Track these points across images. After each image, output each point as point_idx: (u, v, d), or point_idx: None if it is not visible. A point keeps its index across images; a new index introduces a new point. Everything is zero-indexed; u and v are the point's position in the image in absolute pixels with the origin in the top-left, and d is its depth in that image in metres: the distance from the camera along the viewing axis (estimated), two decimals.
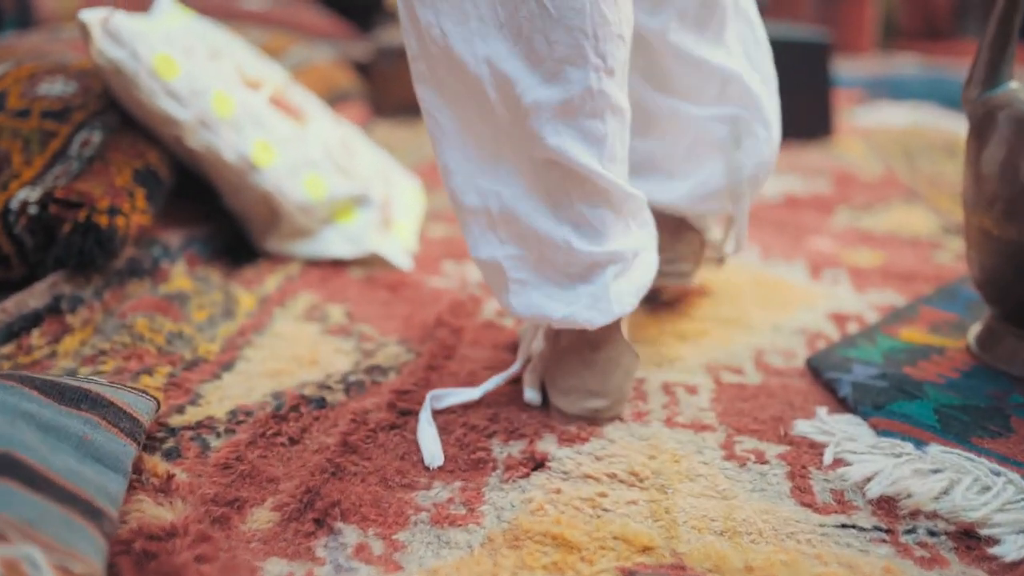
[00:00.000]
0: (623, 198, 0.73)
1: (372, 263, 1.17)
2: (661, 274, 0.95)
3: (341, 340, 0.94)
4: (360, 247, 1.17)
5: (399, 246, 1.22)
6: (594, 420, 0.76)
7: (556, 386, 0.78)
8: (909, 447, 0.72)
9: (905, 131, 2.20)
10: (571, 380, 0.76)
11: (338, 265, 1.16)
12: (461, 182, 0.74)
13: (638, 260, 0.77)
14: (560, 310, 0.74)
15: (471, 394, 0.79)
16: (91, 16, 1.04)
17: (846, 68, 3.23)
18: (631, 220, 0.76)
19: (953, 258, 1.25)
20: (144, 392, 0.73)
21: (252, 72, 1.21)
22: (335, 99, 2.06)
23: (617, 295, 0.74)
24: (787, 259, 1.23)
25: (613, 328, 0.76)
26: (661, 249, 0.91)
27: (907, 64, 3.58)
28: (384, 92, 2.35)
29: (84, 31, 1.04)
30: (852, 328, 1.00)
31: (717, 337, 0.97)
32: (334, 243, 1.17)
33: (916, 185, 1.67)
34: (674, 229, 0.99)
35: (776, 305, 1.06)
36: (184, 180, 1.17)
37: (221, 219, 1.20)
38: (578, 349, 0.76)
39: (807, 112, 2.03)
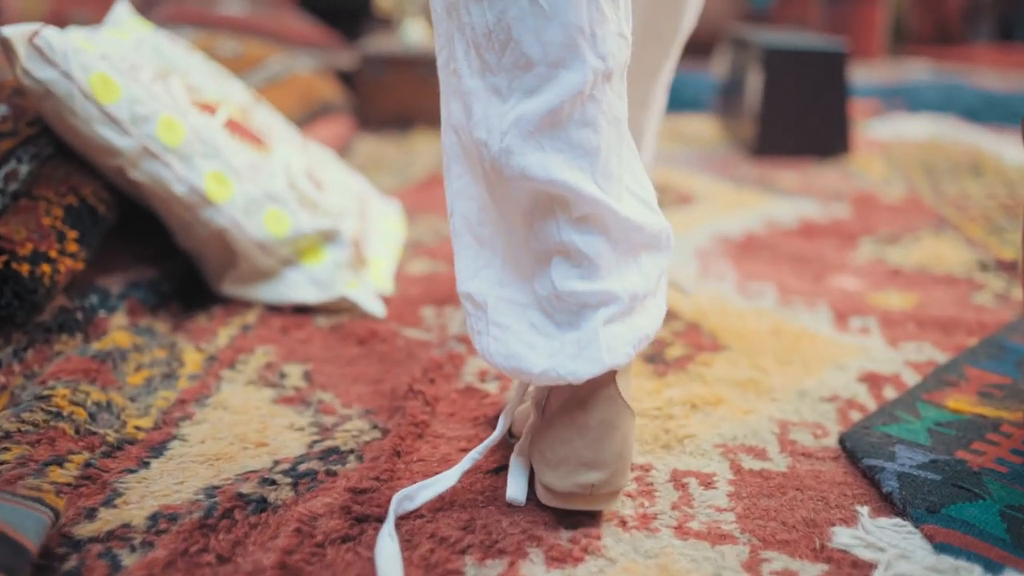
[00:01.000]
0: (623, 226, 0.62)
1: (341, 309, 1.04)
2: None
3: (296, 412, 0.81)
4: (328, 291, 1.04)
5: (372, 288, 1.09)
6: (590, 497, 0.63)
7: (544, 459, 0.64)
8: (977, 572, 0.59)
9: (924, 145, 2.07)
10: (560, 450, 0.63)
11: (303, 312, 1.03)
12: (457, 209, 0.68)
13: (640, 305, 0.65)
14: (541, 363, 0.62)
15: (447, 481, 0.66)
16: (15, 32, 0.91)
17: (857, 75, 3.10)
18: (634, 255, 0.65)
19: (994, 300, 1.12)
20: (39, 500, 0.59)
21: (208, 93, 1.07)
22: (317, 112, 1.93)
23: (609, 342, 0.62)
24: (809, 303, 1.10)
25: (606, 383, 0.63)
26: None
27: (919, 70, 3.45)
28: (370, 104, 2.22)
29: (7, 49, 0.90)
30: (889, 393, 0.86)
31: (734, 406, 0.83)
32: (298, 286, 1.04)
33: (942, 209, 1.53)
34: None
35: (800, 363, 0.93)
36: (129, 215, 1.04)
37: (173, 258, 1.07)
38: (568, 411, 0.64)
39: (822, 127, 1.90)
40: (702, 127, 2.36)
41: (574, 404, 0.63)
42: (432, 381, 0.86)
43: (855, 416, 0.82)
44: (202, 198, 0.99)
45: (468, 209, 0.67)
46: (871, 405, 0.84)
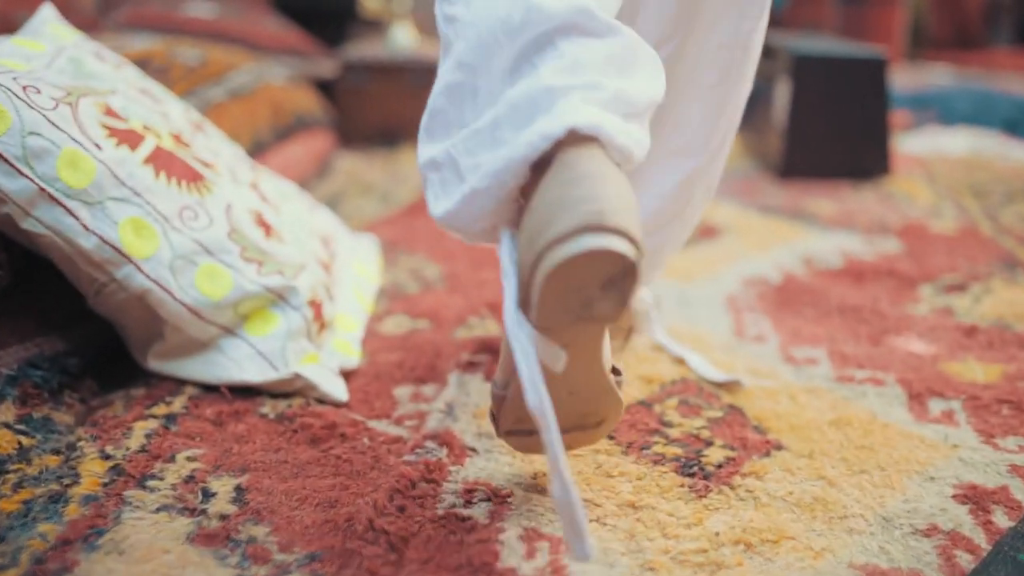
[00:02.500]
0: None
1: (293, 391, 0.83)
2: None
3: (218, 558, 0.60)
4: (276, 368, 0.83)
5: (335, 360, 0.88)
6: (600, 226, 0.50)
7: (534, 234, 0.52)
8: None
9: (967, 163, 1.86)
10: (553, 207, 0.52)
11: (245, 394, 0.82)
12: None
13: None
14: (509, 148, 0.56)
15: None
16: None
17: None
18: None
19: None
20: None
21: (134, 118, 0.87)
22: (292, 127, 1.72)
23: (588, 108, 0.56)
24: (873, 376, 0.89)
25: (586, 143, 0.55)
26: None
27: (942, 76, 3.24)
28: (352, 117, 2.01)
29: None
30: (1001, 519, 0.66)
31: (800, 544, 0.63)
32: (240, 362, 0.83)
33: (1005, 242, 1.32)
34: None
35: (876, 469, 0.72)
36: (37, 266, 0.83)
37: (91, 320, 0.86)
38: (554, 177, 0.54)
39: (859, 146, 1.69)
40: None
41: (557, 169, 0.54)
42: (402, 510, 0.65)
43: (964, 561, 0.61)
44: (116, 253, 0.78)
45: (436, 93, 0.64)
46: (982, 541, 0.64)
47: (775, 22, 1.81)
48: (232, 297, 0.83)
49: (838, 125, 1.66)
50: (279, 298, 0.86)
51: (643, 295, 0.96)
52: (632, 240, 0.51)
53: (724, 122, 0.85)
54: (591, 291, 0.52)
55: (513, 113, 0.57)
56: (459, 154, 0.60)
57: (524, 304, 0.55)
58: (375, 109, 2.00)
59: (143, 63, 1.39)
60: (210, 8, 1.92)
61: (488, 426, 0.78)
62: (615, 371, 0.66)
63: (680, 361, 0.92)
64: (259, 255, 0.87)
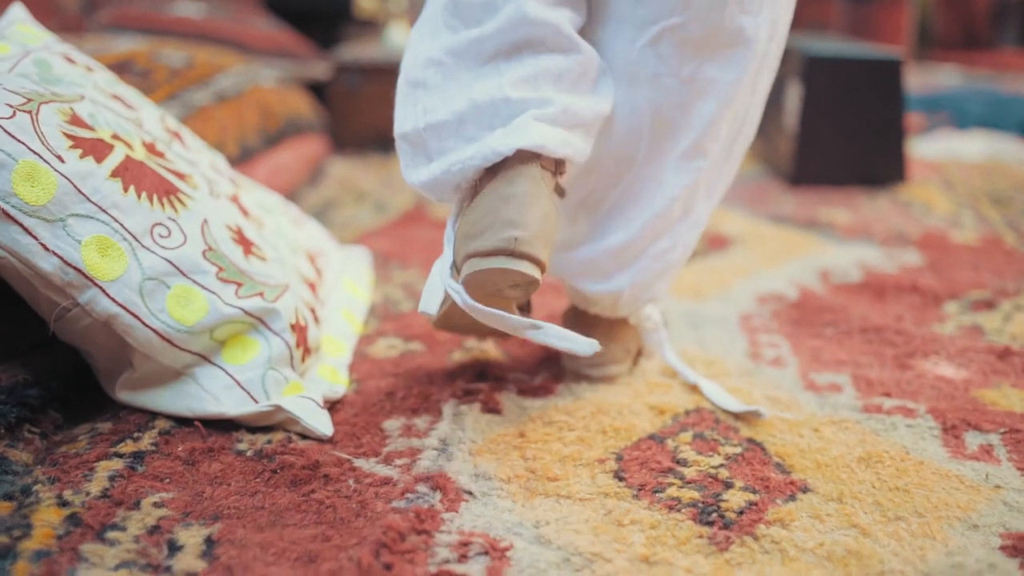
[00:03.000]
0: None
1: (274, 426, 0.76)
2: (586, 376, 0.86)
3: None
4: (256, 399, 0.76)
5: (320, 389, 0.81)
6: (512, 255, 0.66)
7: (469, 234, 0.69)
8: None
9: (984, 169, 1.80)
10: (486, 219, 0.68)
11: (221, 428, 0.75)
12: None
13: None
14: (468, 150, 0.71)
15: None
16: None
17: None
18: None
19: None
20: None
21: (102, 126, 0.80)
22: (283, 132, 1.65)
23: (537, 128, 0.69)
24: (903, 406, 0.82)
25: (528, 161, 0.69)
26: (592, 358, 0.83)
27: (951, 77, 3.18)
28: (346, 121, 1.94)
29: None
30: None
31: None
32: (216, 393, 0.76)
33: None
34: (608, 327, 0.87)
35: (913, 514, 0.66)
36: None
37: (56, 348, 0.79)
38: (493, 189, 0.69)
39: (875, 152, 1.62)
40: None
41: (499, 182, 0.69)
42: (388, 567, 0.58)
43: None
44: (79, 275, 0.72)
45: (409, 61, 0.77)
46: None
47: None
48: (207, 322, 0.76)
49: (851, 130, 1.59)
50: (259, 322, 0.79)
51: (651, 313, 0.90)
52: (539, 264, 0.68)
53: (736, 123, 0.81)
54: (501, 288, 0.70)
55: (476, 114, 0.71)
56: (428, 138, 0.74)
57: (454, 268, 0.72)
58: (369, 113, 1.94)
59: (124, 65, 1.33)
60: (198, 8, 1.85)
61: (485, 465, 0.71)
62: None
63: (693, 388, 0.85)
64: (237, 275, 0.80)
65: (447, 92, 0.73)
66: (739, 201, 1.54)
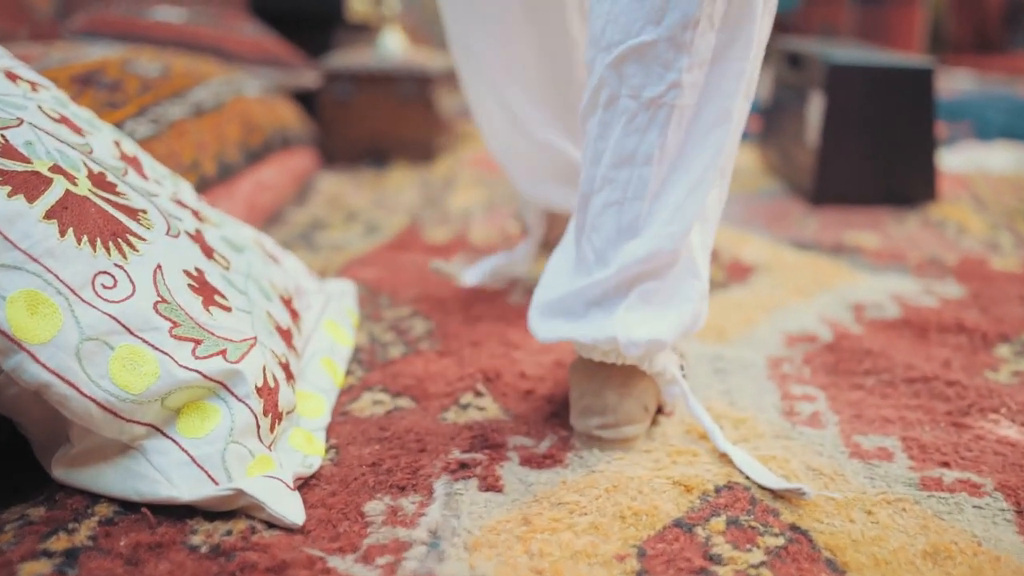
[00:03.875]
0: None
1: (235, 512, 0.65)
2: (599, 439, 0.76)
3: None
4: (216, 480, 0.65)
5: (294, 463, 0.70)
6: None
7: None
8: None
9: (1013, 182, 1.69)
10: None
11: (173, 516, 0.64)
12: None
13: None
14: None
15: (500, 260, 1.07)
16: None
17: None
18: None
19: None
20: None
21: (40, 155, 0.69)
22: (269, 145, 1.54)
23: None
24: (965, 480, 0.71)
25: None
26: (602, 410, 0.75)
27: (966, 82, 3.07)
28: (336, 133, 1.83)
29: None
30: None
31: None
32: (168, 473, 0.65)
33: None
34: (622, 380, 0.75)
35: None
36: None
37: None
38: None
39: (903, 169, 1.51)
40: (740, 158, 1.97)
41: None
42: None
43: None
44: (3, 338, 0.61)
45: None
46: None
47: (785, 24, 1.64)
48: (159, 388, 0.65)
49: (878, 145, 1.48)
50: (220, 387, 0.68)
51: (667, 364, 0.78)
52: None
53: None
54: None
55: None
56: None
57: None
58: (362, 124, 1.83)
59: (91, 77, 1.22)
60: (179, 13, 1.74)
61: (483, 566, 0.60)
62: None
63: (722, 456, 0.74)
64: (195, 331, 0.69)
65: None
66: (758, 222, 1.43)
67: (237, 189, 1.37)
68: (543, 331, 0.78)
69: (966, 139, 2.08)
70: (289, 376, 0.76)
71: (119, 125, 1.14)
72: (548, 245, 1.16)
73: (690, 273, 0.76)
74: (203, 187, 1.25)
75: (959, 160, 1.87)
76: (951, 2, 3.86)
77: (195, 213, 0.84)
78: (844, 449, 0.76)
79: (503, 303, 1.08)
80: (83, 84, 1.20)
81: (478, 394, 0.84)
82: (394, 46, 1.92)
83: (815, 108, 1.51)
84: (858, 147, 1.49)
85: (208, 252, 0.78)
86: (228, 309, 0.73)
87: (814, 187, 1.51)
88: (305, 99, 1.87)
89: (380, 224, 1.44)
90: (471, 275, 1.14)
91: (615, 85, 0.71)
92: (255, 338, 0.73)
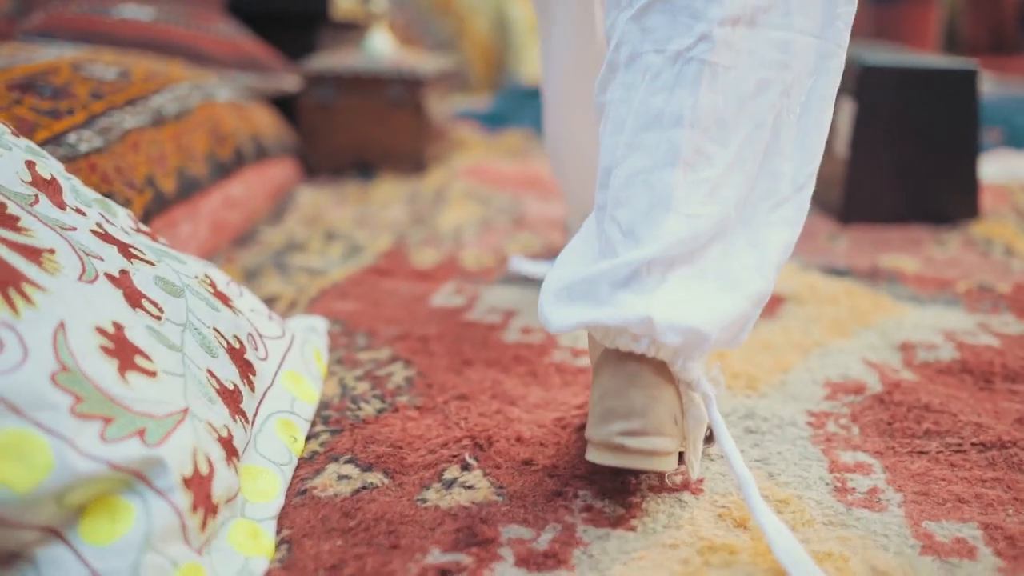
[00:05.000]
0: None
1: None
2: (620, 447, 0.60)
3: None
4: None
5: (231, 573, 0.56)
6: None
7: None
8: None
9: None
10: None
11: None
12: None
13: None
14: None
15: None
16: None
17: None
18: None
19: None
20: None
21: None
22: (240, 157, 1.40)
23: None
24: None
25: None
26: (627, 413, 0.60)
27: (985, 84, 2.92)
28: (318, 141, 1.69)
29: None
30: None
31: None
32: None
33: None
34: (654, 381, 0.61)
35: None
36: None
37: None
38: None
39: (943, 183, 1.37)
40: None
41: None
42: None
43: None
44: None
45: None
46: None
47: None
48: (53, 484, 0.51)
49: (914, 156, 1.34)
50: (136, 478, 0.54)
51: (702, 379, 0.64)
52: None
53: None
54: None
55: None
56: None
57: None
58: (346, 132, 1.68)
59: (31, 82, 1.08)
60: (148, 11, 1.60)
61: None
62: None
63: (766, 548, 0.60)
64: (105, 407, 0.55)
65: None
66: None
67: (201, 207, 1.23)
68: (558, 318, 0.64)
69: (997, 147, 1.94)
70: (231, 453, 0.62)
71: (58, 137, 1.00)
72: None
73: (746, 267, 0.65)
74: (159, 207, 1.12)
75: (993, 170, 1.73)
76: (966, 2, 3.72)
77: (124, 248, 0.69)
78: (913, 542, 0.62)
79: (497, 342, 0.94)
80: (22, 91, 1.06)
81: (465, 466, 0.70)
82: (382, 46, 1.78)
83: (844, 115, 1.37)
84: (892, 159, 1.35)
85: (135, 299, 0.64)
86: (152, 374, 0.59)
87: (843, 203, 1.37)
88: (286, 105, 1.73)
89: (362, 245, 1.30)
90: (519, 265, 1.14)
91: (637, 40, 0.64)
92: (186, 410, 0.59)
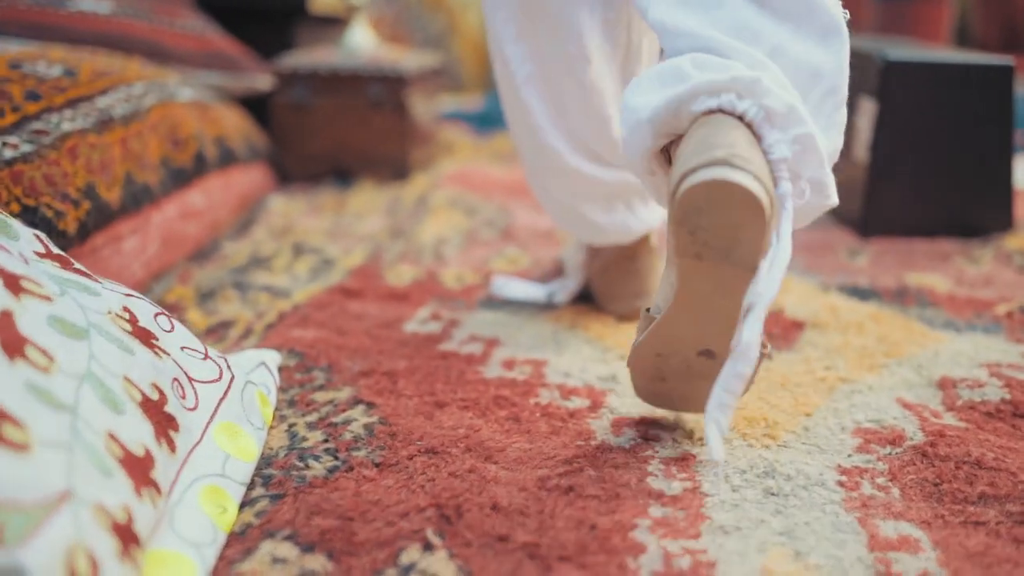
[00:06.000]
0: None
1: None
2: (723, 182, 0.55)
3: None
4: None
5: None
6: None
7: (605, 294, 0.97)
8: None
9: None
10: (617, 288, 0.95)
11: None
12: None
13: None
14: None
15: (537, 292, 1.00)
16: None
17: None
18: None
19: None
20: None
21: None
22: (200, 163, 1.28)
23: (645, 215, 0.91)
24: None
25: (643, 240, 0.94)
26: (730, 144, 0.57)
27: None
28: (293, 144, 1.57)
29: None
30: None
31: None
32: None
33: None
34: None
35: None
36: None
37: None
38: (618, 262, 0.95)
39: (973, 193, 1.25)
40: None
41: (623, 257, 0.95)
42: None
43: None
44: None
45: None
46: None
47: None
48: None
49: (941, 161, 1.22)
50: None
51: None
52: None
53: None
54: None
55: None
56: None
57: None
58: (323, 134, 1.56)
59: None
60: (106, 4, 1.47)
61: None
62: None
63: None
64: None
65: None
66: (796, 259, 1.17)
67: (153, 219, 1.11)
68: (644, 101, 0.63)
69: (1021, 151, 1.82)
70: (128, 542, 0.50)
71: None
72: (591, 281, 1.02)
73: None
74: (101, 220, 0.99)
75: (1021, 176, 1.60)
76: None
77: (13, 282, 0.57)
78: None
79: (476, 378, 0.82)
80: None
81: (428, 546, 0.57)
82: (362, 42, 1.66)
83: (864, 118, 1.24)
84: (917, 164, 1.23)
85: (14, 348, 0.52)
86: (23, 447, 0.47)
87: (864, 214, 1.24)
88: (259, 106, 1.61)
89: (333, 259, 1.18)
90: (502, 288, 1.03)
91: None
92: (66, 492, 0.47)
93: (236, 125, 1.46)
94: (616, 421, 0.75)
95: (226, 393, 0.69)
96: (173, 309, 1.01)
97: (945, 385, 0.82)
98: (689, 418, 0.76)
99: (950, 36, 3.31)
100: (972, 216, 1.24)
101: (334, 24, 1.91)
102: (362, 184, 1.56)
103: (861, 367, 0.85)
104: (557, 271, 1.10)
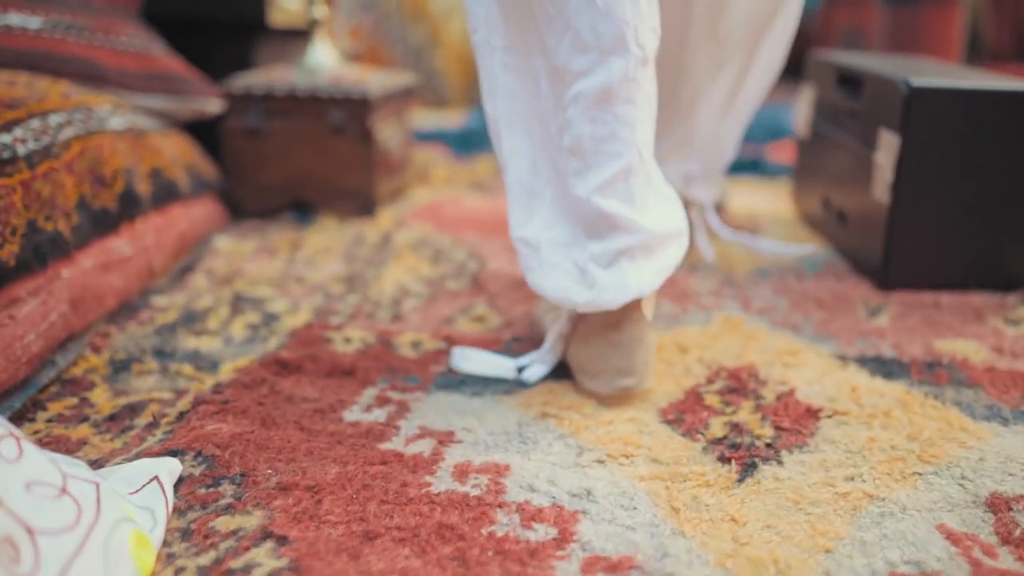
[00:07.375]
0: (656, 178, 0.81)
1: None
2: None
3: None
4: None
5: None
6: (625, 397, 0.80)
7: (584, 370, 0.83)
8: None
9: None
10: (599, 363, 0.81)
11: None
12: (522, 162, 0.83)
13: (663, 244, 0.81)
14: (584, 295, 0.79)
15: (503, 368, 0.87)
16: None
17: None
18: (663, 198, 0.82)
19: None
20: None
21: None
22: (131, 203, 1.14)
23: (636, 277, 0.79)
24: None
25: (634, 307, 0.80)
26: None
27: None
28: (246, 174, 1.42)
29: None
30: None
31: None
32: None
33: None
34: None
35: None
36: None
37: None
38: (603, 331, 0.81)
39: (1007, 240, 1.09)
40: (767, 203, 1.56)
41: (608, 326, 0.81)
42: None
43: None
44: None
45: (520, 167, 0.83)
46: None
47: (802, 29, 1.24)
48: None
49: (972, 204, 1.07)
50: None
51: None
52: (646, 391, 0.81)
53: None
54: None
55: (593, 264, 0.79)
56: (545, 250, 0.82)
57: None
58: (279, 164, 1.41)
59: None
60: (36, 20, 1.32)
61: None
62: None
63: None
64: None
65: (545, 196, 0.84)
66: (808, 322, 1.02)
67: (61, 275, 0.95)
68: None
69: None
70: None
71: None
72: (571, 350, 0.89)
73: None
74: None
75: None
76: (988, 4, 3.45)
77: None
78: None
79: (419, 495, 0.67)
80: None
81: None
82: (325, 60, 1.50)
83: (885, 154, 1.09)
84: (946, 206, 1.07)
85: None
86: None
87: (884, 263, 1.09)
88: (210, 132, 1.46)
89: (276, 316, 1.03)
90: (462, 361, 0.89)
91: None
92: None
93: (178, 155, 1.31)
94: (587, 564, 0.59)
95: (84, 542, 0.54)
96: (79, 385, 0.86)
97: (997, 506, 0.67)
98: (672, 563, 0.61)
99: (961, 43, 3.16)
100: (1008, 265, 1.09)
101: (297, 39, 1.76)
102: (323, 220, 1.41)
103: (891, 477, 0.70)
104: (530, 333, 0.95)
